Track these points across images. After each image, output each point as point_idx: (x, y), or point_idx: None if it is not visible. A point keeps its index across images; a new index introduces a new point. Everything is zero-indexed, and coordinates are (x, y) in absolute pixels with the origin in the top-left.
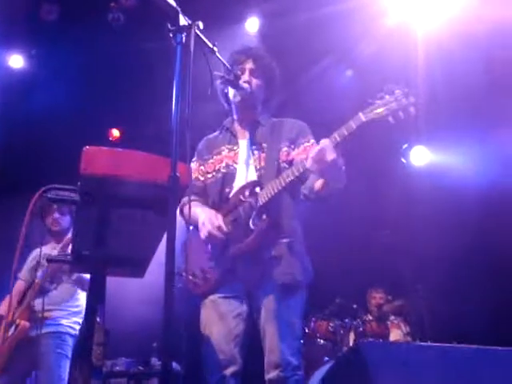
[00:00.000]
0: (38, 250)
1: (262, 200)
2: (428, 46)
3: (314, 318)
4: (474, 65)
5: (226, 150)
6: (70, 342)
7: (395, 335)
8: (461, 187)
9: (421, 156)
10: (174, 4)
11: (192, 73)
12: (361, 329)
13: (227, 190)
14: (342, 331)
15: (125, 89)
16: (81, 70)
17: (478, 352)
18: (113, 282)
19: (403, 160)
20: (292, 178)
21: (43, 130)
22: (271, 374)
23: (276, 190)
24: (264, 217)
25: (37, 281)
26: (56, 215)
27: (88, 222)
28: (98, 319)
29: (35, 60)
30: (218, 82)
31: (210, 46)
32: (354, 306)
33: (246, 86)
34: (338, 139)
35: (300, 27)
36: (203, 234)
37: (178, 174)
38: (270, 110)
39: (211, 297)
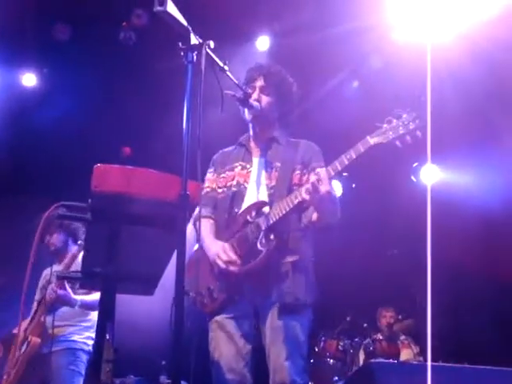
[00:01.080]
0: (48, 269)
1: (269, 221)
2: (437, 62)
3: (323, 338)
4: (485, 81)
5: (239, 167)
6: (84, 358)
7: (406, 355)
8: (470, 206)
9: (431, 174)
10: (185, 23)
11: (204, 91)
12: (371, 348)
13: (236, 209)
14: (351, 350)
15: (136, 106)
16: (92, 88)
17: (491, 372)
18: (123, 300)
19: (413, 178)
20: (291, 205)
21: (54, 147)
22: None
23: (284, 212)
24: (272, 237)
25: (47, 298)
26: (47, 238)
27: (99, 239)
28: (107, 336)
29: (47, 78)
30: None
31: (221, 64)
32: (365, 325)
33: (255, 104)
34: (339, 168)
35: (310, 46)
36: (219, 266)
37: (188, 193)
38: (289, 125)
39: (218, 317)
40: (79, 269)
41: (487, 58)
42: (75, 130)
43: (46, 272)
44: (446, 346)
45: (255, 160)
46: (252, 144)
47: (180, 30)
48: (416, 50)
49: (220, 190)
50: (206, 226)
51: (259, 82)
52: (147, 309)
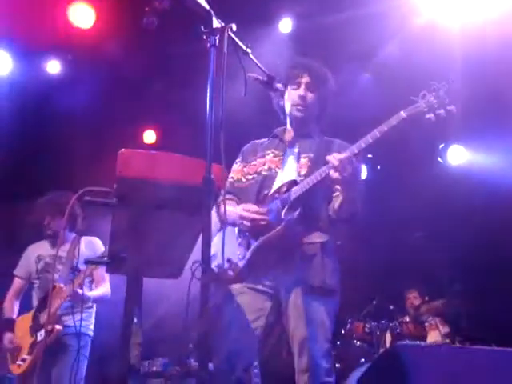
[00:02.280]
0: (34, 246)
1: (295, 193)
2: (464, 44)
3: (350, 319)
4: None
5: (271, 155)
6: (89, 342)
7: (433, 337)
8: (498, 187)
9: (458, 155)
10: (207, 6)
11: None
12: (398, 330)
13: (265, 191)
14: (378, 333)
15: (161, 90)
16: (116, 72)
17: None
18: (150, 283)
19: (440, 159)
20: (318, 178)
21: (78, 132)
22: (302, 378)
23: (311, 184)
24: (296, 208)
25: (58, 286)
26: (46, 221)
27: (124, 224)
28: (135, 320)
29: (72, 65)
30: (272, 94)
31: (244, 47)
32: (391, 307)
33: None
34: (370, 140)
35: (332, 28)
36: (245, 222)
37: (212, 176)
38: (322, 125)
39: (236, 285)
40: (80, 257)
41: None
42: (99, 117)
43: (34, 252)
44: (474, 327)
45: (289, 150)
46: (286, 136)
47: (202, 14)
48: (439, 34)
49: (250, 177)
50: (230, 202)
51: (305, 79)
52: (175, 292)
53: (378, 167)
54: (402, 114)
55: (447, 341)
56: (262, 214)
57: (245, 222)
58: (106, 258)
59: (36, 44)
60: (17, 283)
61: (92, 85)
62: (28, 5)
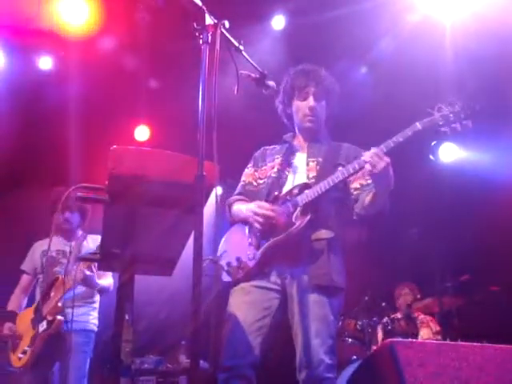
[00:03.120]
0: (40, 242)
1: (308, 197)
2: (455, 40)
3: (342, 317)
4: (504, 59)
5: (281, 159)
6: (93, 337)
7: (424, 334)
8: (490, 184)
9: (450, 153)
10: (199, 3)
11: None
12: (389, 327)
13: (275, 192)
14: (370, 330)
15: (154, 87)
16: (109, 68)
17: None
18: (142, 281)
19: (432, 157)
20: (346, 175)
21: (70, 129)
22: (303, 374)
23: (324, 189)
24: (307, 213)
25: (60, 277)
26: (67, 214)
27: (116, 221)
28: (126, 317)
29: (64, 60)
30: (278, 102)
31: (236, 44)
32: (383, 304)
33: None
34: (384, 150)
35: (326, 25)
36: (258, 218)
37: (204, 174)
38: (329, 127)
39: (243, 284)
40: (83, 252)
41: (505, 36)
42: (91, 113)
43: (41, 246)
44: (465, 324)
45: (298, 154)
46: (295, 142)
47: (194, 10)
48: (432, 30)
49: (261, 181)
50: (239, 204)
51: (312, 89)
52: (167, 289)
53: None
54: (418, 125)
55: (439, 338)
56: (274, 212)
57: (258, 218)
58: (97, 255)
59: (28, 40)
60: (23, 278)
61: (84, 81)
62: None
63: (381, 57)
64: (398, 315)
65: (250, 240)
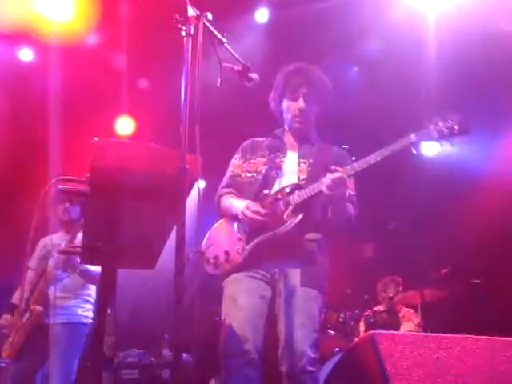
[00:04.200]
0: (46, 238)
1: (300, 198)
2: (440, 32)
3: (324, 309)
4: (489, 52)
5: (272, 157)
6: (84, 331)
7: (406, 326)
8: (472, 177)
9: (432, 147)
10: None
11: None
12: (371, 320)
13: (265, 190)
14: (352, 322)
15: (136, 80)
16: (91, 61)
17: (496, 343)
18: (125, 274)
19: (414, 151)
20: (313, 192)
21: (51, 120)
22: (285, 366)
23: (314, 193)
24: (299, 213)
25: (49, 269)
26: (66, 205)
27: (98, 214)
28: (109, 310)
29: (44, 52)
30: (271, 98)
31: (219, 36)
32: (365, 296)
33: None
34: (377, 159)
35: (310, 18)
36: (247, 217)
37: (186, 166)
38: (319, 128)
39: (235, 274)
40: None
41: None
42: (73, 106)
43: (45, 242)
44: (446, 316)
45: (290, 153)
46: (286, 139)
47: (177, 2)
48: (415, 23)
49: (249, 175)
50: (228, 197)
51: (304, 90)
52: (150, 282)
53: (353, 158)
54: (412, 137)
55: (420, 330)
56: (263, 215)
57: (246, 220)
58: (79, 249)
59: (8, 31)
60: (28, 274)
61: (65, 73)
62: None
63: (365, 51)
64: (380, 308)
65: (238, 235)
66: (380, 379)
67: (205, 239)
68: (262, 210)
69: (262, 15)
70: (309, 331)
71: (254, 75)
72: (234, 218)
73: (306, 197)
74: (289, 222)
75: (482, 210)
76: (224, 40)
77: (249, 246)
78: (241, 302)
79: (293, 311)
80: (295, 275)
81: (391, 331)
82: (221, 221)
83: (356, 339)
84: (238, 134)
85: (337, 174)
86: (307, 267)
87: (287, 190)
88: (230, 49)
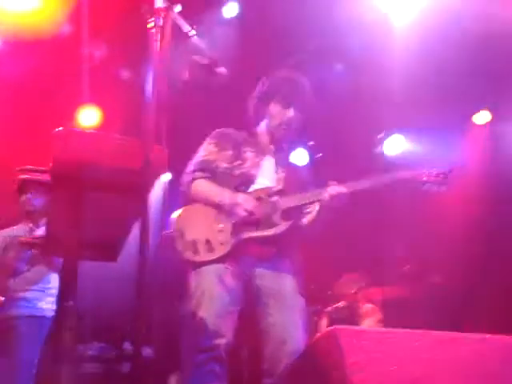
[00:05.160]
0: (8, 229)
1: (289, 204)
2: (405, 34)
3: None
4: (455, 52)
5: (251, 154)
6: (46, 324)
7: (367, 322)
8: None
9: (396, 145)
10: None
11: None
12: (334, 316)
13: (243, 187)
14: (315, 318)
15: (104, 71)
16: (56, 49)
17: (459, 338)
18: (87, 266)
19: (378, 149)
20: (314, 199)
21: (14, 110)
22: (270, 366)
23: (304, 202)
24: (290, 218)
25: (8, 261)
26: (29, 195)
27: (61, 205)
28: (70, 303)
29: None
30: (256, 96)
31: (188, 29)
32: (329, 292)
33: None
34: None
35: (280, 14)
36: (244, 212)
37: (151, 159)
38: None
39: (214, 265)
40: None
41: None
42: (35, 95)
43: (6, 232)
44: (407, 313)
45: (267, 157)
46: (263, 140)
47: None
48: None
49: (225, 165)
50: (207, 182)
51: (295, 99)
52: (113, 275)
53: (320, 154)
54: (405, 174)
55: (381, 326)
56: (258, 211)
57: (241, 212)
58: (41, 240)
59: None
60: None
61: (30, 62)
62: None
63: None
64: (343, 304)
65: (221, 226)
66: (341, 374)
67: (175, 220)
68: (258, 209)
69: (231, 10)
70: (303, 333)
71: (222, 69)
72: (213, 205)
73: (295, 204)
74: (281, 225)
75: (445, 208)
76: (193, 32)
77: (234, 240)
78: (215, 295)
79: (287, 312)
80: (283, 274)
81: (353, 326)
82: (196, 204)
83: (318, 335)
84: (207, 126)
85: (342, 189)
86: (291, 271)
87: (270, 192)
88: (198, 42)
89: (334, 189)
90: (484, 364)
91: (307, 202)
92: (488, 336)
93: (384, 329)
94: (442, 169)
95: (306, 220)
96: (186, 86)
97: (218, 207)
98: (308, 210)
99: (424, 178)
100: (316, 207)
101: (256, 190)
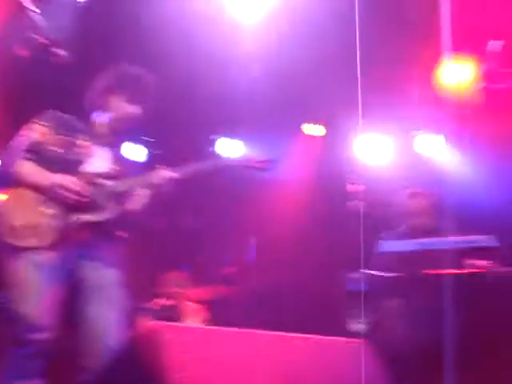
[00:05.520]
0: None
1: (120, 188)
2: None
3: None
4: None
5: (85, 143)
6: None
7: (194, 321)
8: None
9: (228, 146)
10: None
11: None
12: (159, 314)
13: (72, 170)
14: (138, 314)
15: None
16: None
17: (285, 338)
18: None
19: (211, 150)
20: (144, 182)
21: None
22: (87, 361)
23: (133, 185)
24: (120, 203)
25: None
26: None
27: None
28: None
29: None
30: (100, 87)
31: (31, 6)
32: (154, 289)
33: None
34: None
35: (130, 6)
36: (69, 193)
37: None
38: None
39: (35, 252)
40: None
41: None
42: None
43: None
44: (233, 312)
45: (102, 148)
46: (99, 130)
47: None
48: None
49: (56, 148)
50: (32, 165)
51: (139, 97)
52: None
53: (158, 151)
54: (231, 160)
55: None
56: (88, 192)
57: (66, 193)
58: None
59: None
60: None
61: None
62: None
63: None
64: (169, 302)
65: (46, 210)
66: (161, 371)
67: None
68: (85, 191)
69: None
70: (117, 328)
71: (62, 51)
72: (35, 187)
73: (125, 188)
74: (110, 210)
75: (271, 211)
76: (36, 10)
77: (62, 225)
78: (38, 284)
79: (107, 305)
80: (101, 269)
81: (176, 323)
82: (22, 187)
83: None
84: (42, 106)
85: (171, 173)
86: (116, 264)
87: (101, 177)
88: (39, 20)
89: (163, 172)
90: (291, 363)
91: (137, 185)
92: (301, 336)
93: (208, 327)
94: (263, 157)
95: (133, 204)
96: (22, 61)
97: (41, 190)
98: (136, 194)
99: (248, 164)
100: (145, 192)
101: (85, 174)
